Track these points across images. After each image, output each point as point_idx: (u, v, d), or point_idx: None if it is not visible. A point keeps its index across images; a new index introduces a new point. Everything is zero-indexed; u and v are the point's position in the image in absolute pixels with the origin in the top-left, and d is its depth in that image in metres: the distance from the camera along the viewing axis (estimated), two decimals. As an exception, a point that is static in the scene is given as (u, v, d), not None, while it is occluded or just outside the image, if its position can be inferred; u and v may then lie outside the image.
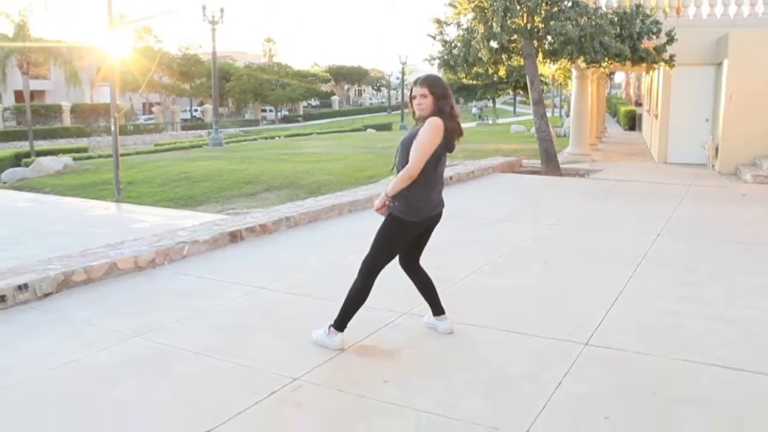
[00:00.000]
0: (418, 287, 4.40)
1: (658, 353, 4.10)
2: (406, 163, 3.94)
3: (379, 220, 4.12)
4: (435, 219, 4.18)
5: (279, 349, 4.17)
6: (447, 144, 3.98)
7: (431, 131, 3.90)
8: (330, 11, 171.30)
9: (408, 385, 3.66)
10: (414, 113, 4.06)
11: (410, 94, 4.03)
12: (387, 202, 4.00)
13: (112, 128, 17.09)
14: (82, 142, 37.32)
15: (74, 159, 23.01)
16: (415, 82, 4.02)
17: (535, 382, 3.72)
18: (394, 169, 4.12)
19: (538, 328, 4.50)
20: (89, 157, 25.95)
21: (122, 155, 23.32)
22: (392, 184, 3.98)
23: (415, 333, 4.40)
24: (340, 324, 4.12)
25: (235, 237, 7.05)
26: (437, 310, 4.42)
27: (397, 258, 4.24)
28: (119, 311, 4.92)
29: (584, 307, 5.01)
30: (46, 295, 5.16)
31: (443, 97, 3.96)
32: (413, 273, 4.37)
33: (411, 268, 4.36)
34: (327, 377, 3.75)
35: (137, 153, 27.40)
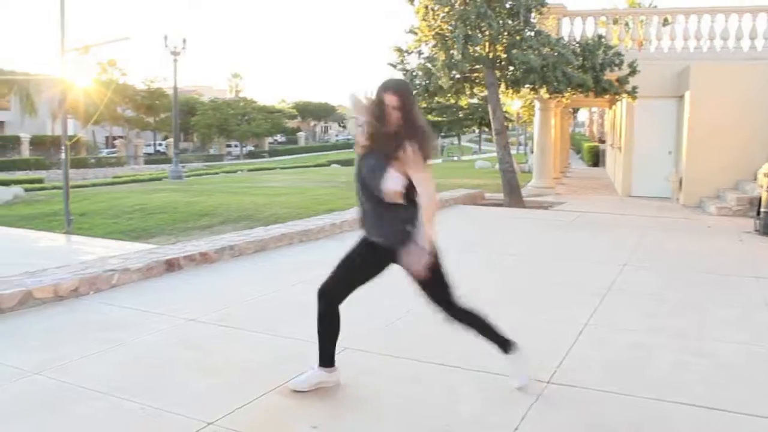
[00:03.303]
0: (328, 328, 3.61)
1: (628, 392, 3.65)
2: (376, 192, 3.38)
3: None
4: None
5: (197, 388, 3.63)
6: None
7: (419, 161, 3.35)
8: (298, 48, 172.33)
9: None
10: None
11: (379, 106, 3.40)
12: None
13: (63, 156, 16.47)
14: (40, 174, 36.35)
15: (26, 190, 22.19)
16: (386, 89, 3.39)
17: (487, 427, 3.25)
18: (361, 206, 3.54)
19: (493, 364, 4.02)
20: (42, 188, 25.09)
21: (78, 187, 22.67)
22: (425, 227, 3.33)
23: (353, 371, 3.86)
24: (506, 344, 3.71)
25: (172, 266, 6.49)
26: (332, 360, 3.68)
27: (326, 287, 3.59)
28: (26, 345, 4.34)
29: (547, 341, 4.56)
30: (-57, 327, 4.56)
31: (413, 106, 3.42)
32: (335, 309, 3.61)
33: (338, 304, 3.61)
34: (247, 421, 3.22)
35: (93, 185, 26.59)
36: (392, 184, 3.34)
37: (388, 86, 3.40)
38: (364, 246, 3.61)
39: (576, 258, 7.93)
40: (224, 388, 3.63)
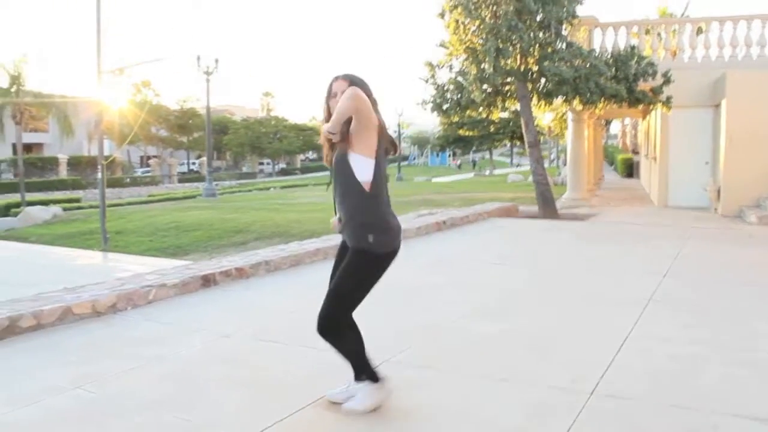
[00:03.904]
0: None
1: (676, 404, 3.54)
2: (349, 186, 3.30)
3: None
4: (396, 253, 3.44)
5: (235, 402, 3.61)
6: (384, 139, 3.34)
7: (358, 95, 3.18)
8: (328, 65, 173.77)
9: (381, 444, 3.10)
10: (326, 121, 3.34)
11: (327, 94, 3.39)
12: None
13: (99, 176, 16.82)
14: (77, 194, 37.03)
15: (64, 209, 22.66)
16: (335, 78, 3.38)
17: (531, 439, 3.17)
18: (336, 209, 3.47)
19: (536, 376, 3.95)
20: (80, 207, 25.57)
21: (114, 205, 23.05)
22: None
23: (395, 383, 3.81)
24: (372, 374, 3.45)
25: (208, 281, 6.52)
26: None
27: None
28: (64, 360, 4.37)
29: (588, 353, 4.46)
30: (-15, 342, 4.62)
31: (362, 88, 3.29)
32: (351, 321, 3.51)
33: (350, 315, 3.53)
34: (285, 435, 3.20)
35: (129, 203, 27.04)
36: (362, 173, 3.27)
37: (337, 76, 3.42)
38: (342, 250, 3.61)
39: (615, 268, 7.78)
40: (262, 402, 3.60)
